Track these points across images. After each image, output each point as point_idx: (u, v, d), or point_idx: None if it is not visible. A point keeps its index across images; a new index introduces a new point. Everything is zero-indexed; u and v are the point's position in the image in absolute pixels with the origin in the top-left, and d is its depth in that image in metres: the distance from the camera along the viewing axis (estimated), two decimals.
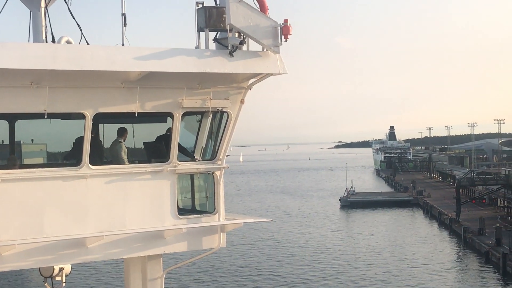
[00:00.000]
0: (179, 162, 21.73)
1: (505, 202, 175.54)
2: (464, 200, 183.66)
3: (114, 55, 19.94)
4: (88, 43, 21.62)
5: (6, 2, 21.94)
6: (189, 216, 22.23)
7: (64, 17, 22.29)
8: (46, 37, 21.99)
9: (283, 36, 21.12)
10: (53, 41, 21.77)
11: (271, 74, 21.45)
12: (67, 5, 22.31)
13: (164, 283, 24.02)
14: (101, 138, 21.52)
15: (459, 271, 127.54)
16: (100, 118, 20.92)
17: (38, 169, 21.03)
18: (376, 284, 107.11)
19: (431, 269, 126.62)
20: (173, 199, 21.79)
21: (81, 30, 21.95)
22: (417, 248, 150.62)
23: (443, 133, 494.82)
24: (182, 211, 22.02)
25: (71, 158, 21.09)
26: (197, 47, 21.20)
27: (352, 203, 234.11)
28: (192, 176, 22.73)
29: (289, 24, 21.20)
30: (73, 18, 22.26)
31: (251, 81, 21.88)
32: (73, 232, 20.40)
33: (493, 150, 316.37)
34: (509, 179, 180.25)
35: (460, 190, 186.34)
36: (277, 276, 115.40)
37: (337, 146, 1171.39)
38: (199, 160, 22.58)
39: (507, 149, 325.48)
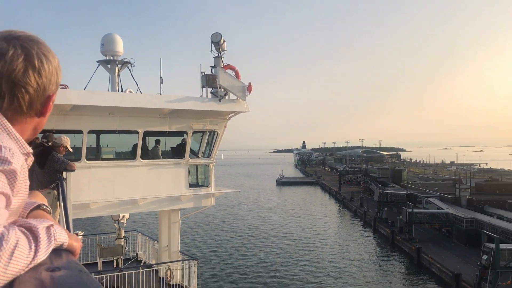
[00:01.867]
0: (189, 159, 22.77)
1: (365, 183, 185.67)
2: (343, 182, 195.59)
3: (155, 99, 20.98)
4: (141, 92, 22.43)
5: (95, 70, 22.77)
6: (195, 188, 23.18)
7: (128, 77, 23.18)
8: (117, 89, 22.74)
9: (248, 91, 22.25)
10: (122, 91, 22.46)
11: (241, 112, 22.65)
12: (130, 71, 23.14)
13: (180, 225, 24.60)
14: (147, 144, 22.27)
15: (338, 221, 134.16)
16: (147, 134, 21.81)
17: (110, 161, 21.77)
18: (287, 224, 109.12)
19: (323, 219, 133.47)
20: (186, 179, 22.83)
21: (137, 84, 23.09)
22: (316, 207, 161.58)
23: (331, 145, 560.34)
24: (191, 185, 23.07)
25: (130, 155, 21.90)
26: (201, 96, 22.21)
27: (283, 182, 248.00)
28: (197, 166, 23.66)
29: (251, 85, 22.25)
30: (133, 78, 23.20)
31: (230, 115, 23.14)
32: (130, 196, 21.28)
33: (357, 155, 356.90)
34: (367, 171, 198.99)
35: (341, 176, 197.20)
36: (239, 220, 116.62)
37: (274, 152, 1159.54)
38: (201, 158, 23.47)
39: (365, 155, 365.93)
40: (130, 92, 22.33)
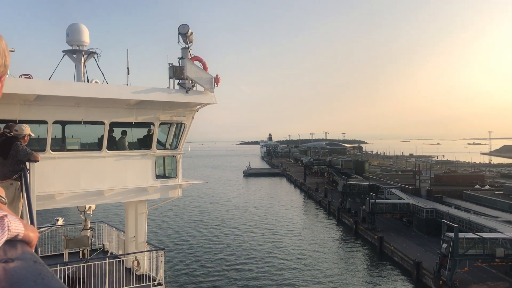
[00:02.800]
0: (156, 150, 22.53)
1: (328, 174, 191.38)
2: (308, 173, 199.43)
3: (121, 90, 20.67)
4: (107, 83, 22.05)
5: (61, 60, 22.27)
6: (162, 179, 22.97)
7: (94, 68, 22.78)
8: (83, 79, 22.29)
9: (215, 83, 22.14)
10: (88, 81, 22.04)
11: (209, 104, 22.53)
12: (96, 62, 22.71)
13: (147, 216, 24.45)
14: (114, 135, 21.92)
15: (304, 212, 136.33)
16: (113, 125, 21.48)
17: (76, 152, 21.41)
18: (253, 215, 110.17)
19: (288, 209, 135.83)
20: (153, 170, 22.57)
21: (103, 75, 22.54)
22: (282, 198, 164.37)
23: (297, 137, 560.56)
24: (158, 176, 22.79)
25: (96, 146, 21.59)
26: (169, 87, 21.97)
27: (249, 173, 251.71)
28: (164, 158, 23.42)
29: (219, 77, 22.17)
30: (99, 68, 22.77)
31: (198, 106, 22.95)
32: (96, 187, 20.97)
33: (321, 147, 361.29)
34: (331, 163, 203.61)
35: (306, 168, 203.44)
36: (206, 211, 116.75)
37: (241, 144, 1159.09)
38: (168, 149, 23.26)
39: (328, 147, 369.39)
40: (96, 82, 22.07)
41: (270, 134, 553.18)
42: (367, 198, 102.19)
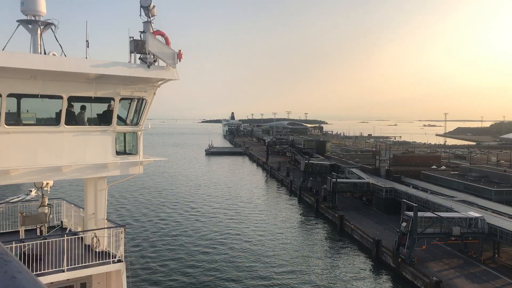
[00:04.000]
0: (117, 126, 22.04)
1: (291, 154, 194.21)
2: (270, 152, 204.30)
3: (80, 63, 19.96)
4: (65, 56, 21.29)
5: (15, 30, 21.34)
6: (122, 155, 22.55)
7: (52, 40, 21.93)
8: (40, 51, 21.47)
9: (178, 58, 21.74)
10: (44, 53, 21.22)
11: (171, 79, 22.12)
12: (54, 33, 21.84)
13: (108, 193, 24.09)
14: (72, 110, 21.28)
15: (266, 190, 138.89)
16: (72, 99, 20.84)
17: (32, 126, 20.73)
18: (216, 193, 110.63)
19: (251, 188, 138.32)
20: (113, 146, 22.07)
21: (61, 47, 21.64)
22: (245, 176, 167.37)
23: (259, 116, 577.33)
24: (118, 153, 22.32)
25: (54, 121, 20.92)
26: (130, 62, 21.43)
27: (212, 152, 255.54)
28: (125, 134, 22.93)
29: (181, 52, 21.79)
30: (57, 40, 21.87)
31: (160, 82, 22.48)
32: (54, 162, 20.37)
33: (283, 127, 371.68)
34: (293, 142, 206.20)
35: (268, 147, 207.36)
36: (168, 189, 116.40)
37: (202, 122, 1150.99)
38: (129, 125, 22.79)
39: (290, 127, 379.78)
40: (54, 55, 21.13)
41: (232, 113, 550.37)
42: (329, 177, 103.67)
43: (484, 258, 63.59)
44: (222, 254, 70.38)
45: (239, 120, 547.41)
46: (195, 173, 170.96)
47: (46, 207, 25.05)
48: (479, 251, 64.38)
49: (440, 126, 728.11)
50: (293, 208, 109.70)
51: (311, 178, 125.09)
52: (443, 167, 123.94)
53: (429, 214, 65.32)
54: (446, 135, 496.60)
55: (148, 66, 21.34)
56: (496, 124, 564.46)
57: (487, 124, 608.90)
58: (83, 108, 21.95)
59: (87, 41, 21.11)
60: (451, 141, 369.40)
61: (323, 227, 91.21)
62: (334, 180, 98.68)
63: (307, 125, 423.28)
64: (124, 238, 21.70)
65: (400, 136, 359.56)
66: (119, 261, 21.49)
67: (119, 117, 22.27)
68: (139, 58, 21.79)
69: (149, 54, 21.36)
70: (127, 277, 22.17)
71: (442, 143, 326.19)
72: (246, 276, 61.11)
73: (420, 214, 62.64)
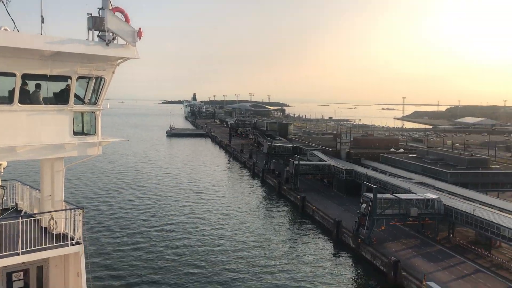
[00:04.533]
0: (74, 105, 21.30)
1: (253, 136, 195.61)
2: (233, 135, 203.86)
3: (34, 39, 19.07)
4: (18, 31, 20.31)
5: None
6: (80, 136, 21.83)
7: (3, 14, 20.80)
8: None
9: (138, 37, 21.12)
10: None
11: (131, 58, 21.47)
12: (5, 7, 20.73)
13: (65, 174, 23.39)
14: (27, 88, 20.41)
15: (229, 172, 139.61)
16: (26, 77, 19.96)
17: None
18: (177, 175, 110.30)
19: (213, 170, 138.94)
20: (70, 126, 21.28)
21: (14, 22, 20.59)
22: (207, 158, 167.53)
23: (222, 98, 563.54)
24: (76, 133, 21.55)
25: (7, 99, 20.00)
26: (87, 39, 20.66)
27: (173, 134, 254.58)
28: (82, 114, 22.17)
29: (141, 30, 21.15)
30: (9, 14, 20.76)
31: (119, 61, 21.75)
32: (7, 143, 19.51)
33: (246, 109, 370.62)
34: (256, 124, 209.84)
35: (231, 129, 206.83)
36: (128, 171, 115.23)
37: (163, 103, 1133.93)
38: (87, 104, 22.06)
39: (253, 109, 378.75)
40: (6, 30, 20.13)
41: (194, 94, 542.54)
42: (291, 160, 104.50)
43: (440, 238, 65.65)
44: (183, 238, 69.71)
45: (201, 102, 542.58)
46: (156, 155, 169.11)
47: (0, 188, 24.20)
48: (435, 232, 66.37)
49: (398, 110, 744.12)
50: (255, 190, 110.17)
51: (273, 161, 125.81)
52: (402, 150, 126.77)
53: (388, 195, 66.73)
54: (403, 118, 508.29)
55: (107, 44, 20.52)
56: (451, 109, 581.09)
57: (442, 108, 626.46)
58: (38, 86, 20.96)
59: (41, 16, 20.15)
60: (408, 125, 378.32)
61: (285, 208, 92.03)
62: (297, 162, 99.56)
63: (269, 107, 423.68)
64: (83, 220, 21.17)
65: (360, 119, 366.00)
66: (77, 243, 20.92)
67: (76, 96, 21.43)
68: (98, 36, 20.98)
69: (107, 31, 20.51)
70: (86, 259, 21.70)
71: (400, 126, 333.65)
72: (206, 260, 60.59)
73: (379, 195, 63.89)
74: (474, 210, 61.10)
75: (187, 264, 58.67)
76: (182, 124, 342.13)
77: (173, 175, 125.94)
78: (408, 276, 51.89)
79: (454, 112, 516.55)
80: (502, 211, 63.38)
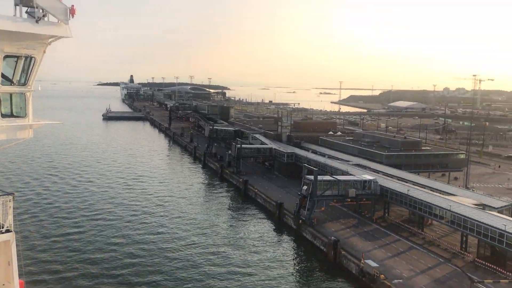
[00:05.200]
0: (1, 86, 19.79)
1: (194, 119, 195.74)
2: (173, 118, 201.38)
3: None
4: None
5: None
6: (9, 118, 20.37)
7: None
8: None
9: (71, 14, 19.81)
10: None
11: (63, 37, 20.16)
12: None
13: None
14: None
15: (168, 156, 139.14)
16: None
17: None
18: (115, 159, 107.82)
19: (153, 154, 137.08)
20: None
21: None
22: (146, 142, 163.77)
23: (160, 80, 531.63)
24: (4, 115, 20.10)
25: None
26: (15, 15, 19.13)
27: (110, 117, 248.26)
28: (11, 95, 20.67)
29: (74, 7, 19.85)
30: None
31: (50, 40, 20.38)
32: None
33: (186, 91, 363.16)
34: (197, 108, 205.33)
35: (171, 112, 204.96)
36: (62, 155, 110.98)
37: (98, 84, 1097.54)
38: (15, 85, 20.57)
39: (193, 91, 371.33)
40: None
41: (131, 76, 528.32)
42: (233, 143, 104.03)
43: (376, 218, 67.57)
44: (121, 226, 66.89)
45: (139, 84, 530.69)
46: (92, 139, 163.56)
47: None
48: (371, 211, 68.27)
49: (335, 94, 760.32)
50: (197, 174, 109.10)
51: (215, 144, 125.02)
52: (339, 133, 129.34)
53: (328, 177, 67.72)
54: (340, 102, 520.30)
55: (37, 21, 19.16)
56: (385, 93, 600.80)
57: (376, 93, 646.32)
58: None
59: None
60: (345, 108, 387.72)
61: (228, 192, 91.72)
62: (239, 146, 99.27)
63: (210, 90, 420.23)
64: (13, 207, 19.84)
65: (299, 103, 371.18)
66: (7, 231, 19.71)
67: (4, 77, 20.01)
68: (26, 12, 19.55)
69: (37, 7, 19.15)
70: (17, 248, 20.46)
71: (337, 110, 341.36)
72: (145, 249, 58.27)
73: (319, 177, 64.69)
74: (408, 190, 63.18)
75: (125, 254, 56.10)
76: (119, 107, 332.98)
77: (111, 160, 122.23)
78: (347, 255, 53.03)
79: (387, 96, 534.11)
80: (434, 191, 66.00)
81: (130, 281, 48.80)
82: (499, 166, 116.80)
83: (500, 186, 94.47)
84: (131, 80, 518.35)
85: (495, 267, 48.95)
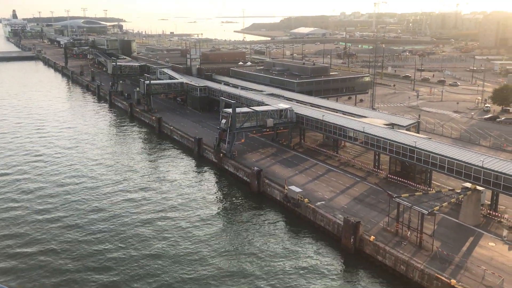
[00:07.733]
0: None
1: (93, 56, 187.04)
2: (68, 56, 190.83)
3: None
4: None
5: None
6: None
7: None
8: None
9: None
10: None
11: None
12: None
13: None
14: None
15: (69, 97, 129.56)
16: None
17: None
18: (10, 103, 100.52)
19: (52, 96, 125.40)
20: None
21: None
22: (42, 84, 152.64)
23: (49, 14, 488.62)
24: None
25: None
26: None
27: None
28: None
29: None
30: None
31: None
32: None
33: (79, 26, 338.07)
34: (94, 43, 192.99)
35: (66, 50, 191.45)
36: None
37: None
38: None
39: (86, 26, 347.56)
40: None
41: (14, 11, 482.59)
42: (141, 80, 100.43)
43: (293, 145, 70.35)
44: (20, 179, 63.78)
45: (24, 19, 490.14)
46: None
47: None
48: (289, 139, 70.86)
49: (237, 23, 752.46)
50: (105, 115, 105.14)
51: (120, 82, 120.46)
52: (249, 63, 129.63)
53: (245, 109, 68.43)
54: (243, 31, 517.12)
55: None
56: (286, 20, 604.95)
57: (278, 20, 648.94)
58: None
59: None
60: (249, 37, 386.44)
61: (141, 131, 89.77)
62: (148, 82, 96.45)
63: (105, 23, 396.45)
64: None
65: (202, 34, 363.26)
66: None
67: None
68: None
69: None
70: None
71: (241, 39, 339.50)
72: (54, 202, 56.90)
73: (237, 110, 65.31)
74: (323, 116, 65.86)
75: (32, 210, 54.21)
76: (3, 46, 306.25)
77: (9, 105, 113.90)
78: (270, 183, 55.07)
79: (289, 23, 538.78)
80: (346, 114, 69.49)
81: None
82: (394, 85, 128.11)
83: (401, 104, 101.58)
84: (14, 16, 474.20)
85: (405, 181, 53.79)
